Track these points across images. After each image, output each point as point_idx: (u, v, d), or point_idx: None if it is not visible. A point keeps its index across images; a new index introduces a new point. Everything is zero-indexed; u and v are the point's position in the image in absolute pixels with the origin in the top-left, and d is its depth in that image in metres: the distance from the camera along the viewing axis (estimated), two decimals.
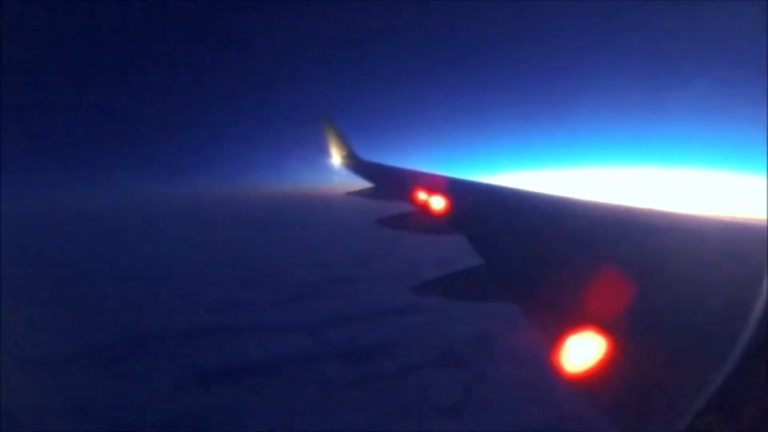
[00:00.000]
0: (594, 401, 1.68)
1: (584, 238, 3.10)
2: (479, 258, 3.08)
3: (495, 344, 17.06)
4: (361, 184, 6.63)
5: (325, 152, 8.72)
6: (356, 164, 8.11)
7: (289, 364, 16.65)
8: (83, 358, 17.03)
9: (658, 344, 1.80)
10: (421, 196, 5.09)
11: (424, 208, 4.81)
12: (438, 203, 4.83)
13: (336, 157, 8.56)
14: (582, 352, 1.84)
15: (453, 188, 5.47)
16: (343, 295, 24.70)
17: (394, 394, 14.63)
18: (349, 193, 6.48)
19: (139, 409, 13.97)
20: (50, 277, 28.60)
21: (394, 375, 15.74)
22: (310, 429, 13.02)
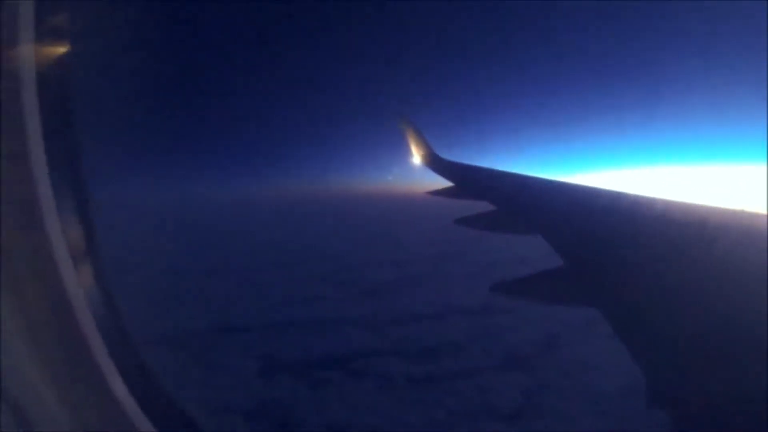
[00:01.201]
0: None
1: (671, 241, 2.98)
2: (559, 259, 3.06)
3: (563, 350, 16.49)
4: (442, 183, 6.68)
5: (405, 151, 8.84)
6: (437, 163, 8.16)
7: (352, 360, 17.05)
8: (160, 344, 18.30)
9: (746, 360, 1.73)
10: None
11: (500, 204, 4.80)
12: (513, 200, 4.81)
13: (416, 156, 8.66)
14: None
15: (533, 188, 5.41)
16: (416, 294, 24.79)
17: (453, 395, 14.54)
18: (429, 192, 6.56)
19: (213, 397, 14.87)
20: (138, 269, 30.97)
21: (455, 376, 15.66)
22: (364, 424, 13.32)
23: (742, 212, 3.16)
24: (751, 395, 1.57)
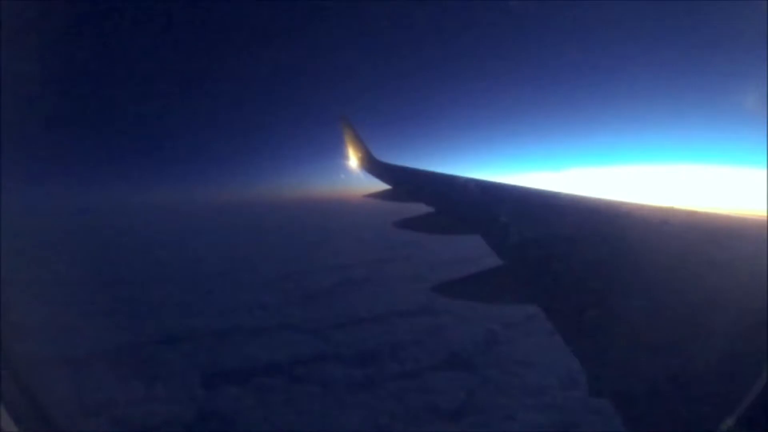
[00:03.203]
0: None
1: (604, 238, 3.07)
2: (497, 259, 3.07)
3: (503, 348, 17.00)
4: (379, 186, 6.63)
5: (342, 154, 8.73)
6: (373, 166, 8.12)
7: (295, 366, 16.80)
8: (97, 359, 17.30)
9: (680, 346, 1.78)
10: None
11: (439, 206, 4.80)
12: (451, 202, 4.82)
13: (353, 160, 8.57)
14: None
15: (469, 188, 5.46)
16: (356, 298, 24.79)
17: (396, 397, 14.63)
18: (366, 196, 6.49)
19: (151, 408, 14.20)
20: (65, 278, 29.06)
21: (397, 377, 15.75)
22: (310, 430, 13.14)
23: (670, 208, 3.33)
24: (686, 378, 1.61)
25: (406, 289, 23.23)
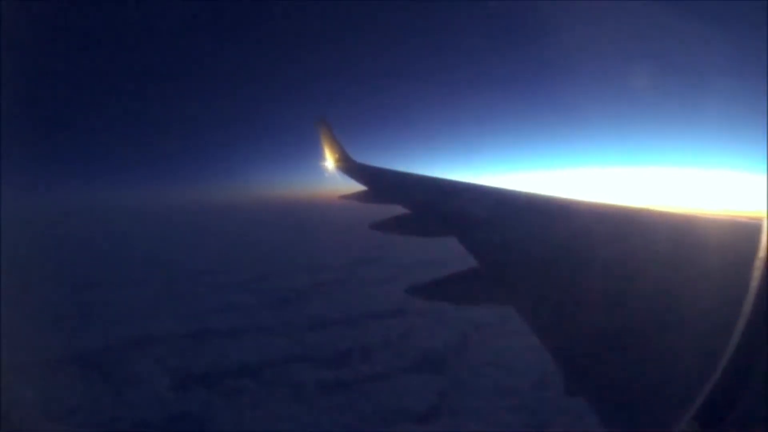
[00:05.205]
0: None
1: (578, 238, 3.11)
2: (473, 260, 3.07)
3: (474, 349, 17.11)
4: (355, 187, 6.60)
5: (318, 155, 8.68)
6: (350, 167, 8.08)
7: (266, 368, 16.66)
8: (74, 361, 16.92)
9: (650, 344, 1.81)
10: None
11: (415, 208, 4.79)
12: (428, 204, 4.81)
13: (329, 160, 8.53)
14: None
15: (445, 190, 5.48)
16: (329, 299, 24.72)
17: (366, 398, 14.61)
18: (342, 197, 6.44)
19: (123, 411, 13.91)
20: (46, 280, 28.34)
21: (369, 379, 15.73)
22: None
23: (643, 210, 3.39)
24: (661, 375, 1.64)
25: (381, 291, 23.26)
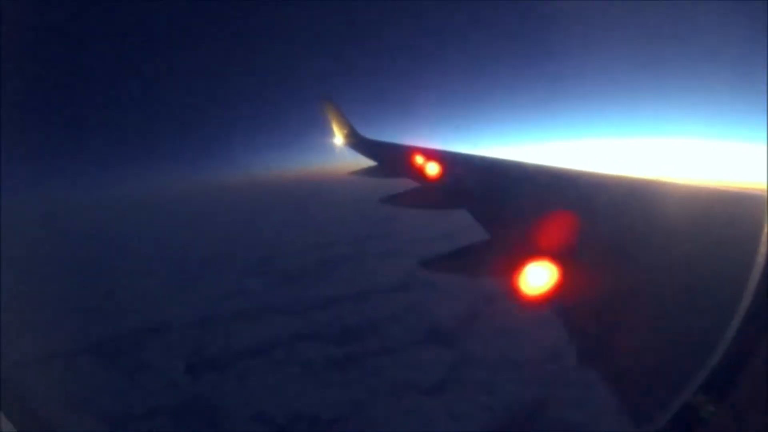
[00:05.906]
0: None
1: (592, 208, 3.09)
2: (485, 233, 3.08)
3: (484, 322, 17.09)
4: (365, 162, 6.59)
5: (327, 132, 8.66)
6: (358, 143, 8.06)
7: (275, 348, 16.88)
8: (86, 353, 17.27)
9: (659, 316, 1.82)
10: (423, 166, 5.06)
11: (426, 181, 4.78)
12: (439, 176, 4.81)
13: (338, 137, 8.51)
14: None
15: (455, 162, 5.45)
16: (340, 276, 24.79)
17: (376, 373, 14.74)
18: (352, 173, 6.45)
19: (137, 399, 14.22)
20: (53, 271, 28.72)
21: (378, 354, 15.84)
22: (291, 410, 13.27)
23: (652, 179, 3.36)
24: (669, 348, 1.65)
25: (391, 265, 23.31)
